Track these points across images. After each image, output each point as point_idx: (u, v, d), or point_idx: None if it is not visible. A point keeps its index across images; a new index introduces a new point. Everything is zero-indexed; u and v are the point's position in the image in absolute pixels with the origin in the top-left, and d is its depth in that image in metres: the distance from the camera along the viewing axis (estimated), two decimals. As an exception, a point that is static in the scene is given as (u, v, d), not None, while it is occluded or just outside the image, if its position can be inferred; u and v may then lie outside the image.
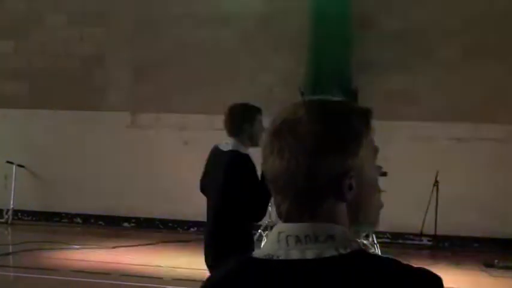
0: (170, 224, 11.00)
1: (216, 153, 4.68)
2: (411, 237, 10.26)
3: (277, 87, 10.28)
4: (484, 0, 10.03)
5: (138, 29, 11.06)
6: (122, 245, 9.64)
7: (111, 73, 11.29)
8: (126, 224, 11.22)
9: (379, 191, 1.39)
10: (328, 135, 1.30)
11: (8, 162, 11.07)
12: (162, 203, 10.77)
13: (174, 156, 10.65)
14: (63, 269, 8.22)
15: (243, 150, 4.55)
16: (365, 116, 1.37)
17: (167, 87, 10.88)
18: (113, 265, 8.46)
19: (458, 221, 9.89)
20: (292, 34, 10.32)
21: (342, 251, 1.27)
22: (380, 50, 10.26)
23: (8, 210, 11.17)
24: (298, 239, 1.29)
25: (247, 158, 4.52)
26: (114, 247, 9.48)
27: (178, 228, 10.86)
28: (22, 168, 11.26)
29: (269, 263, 1.30)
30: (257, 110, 4.67)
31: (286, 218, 1.33)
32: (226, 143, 4.62)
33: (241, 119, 4.59)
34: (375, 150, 1.38)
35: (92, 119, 11.17)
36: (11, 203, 11.14)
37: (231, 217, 4.54)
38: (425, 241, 10.19)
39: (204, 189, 4.86)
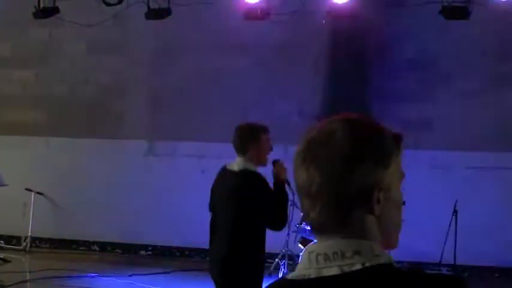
0: (187, 252, 10.96)
1: (225, 174, 4.70)
2: (430, 266, 10.14)
3: (294, 115, 10.29)
4: (502, 29, 10.01)
5: (156, 57, 11.15)
6: (139, 273, 9.62)
7: (129, 101, 11.37)
8: (142, 252, 11.20)
9: (401, 212, 1.42)
10: (363, 146, 1.34)
11: (26, 189, 11.13)
12: (179, 231, 10.75)
13: (191, 185, 10.65)
14: (79, 297, 8.21)
15: (251, 168, 4.56)
16: (396, 138, 1.41)
17: (185, 115, 10.92)
18: (130, 293, 8.43)
19: (478, 250, 9.77)
20: (309, 62, 10.35)
21: (367, 265, 1.29)
22: (397, 78, 10.25)
23: (26, 238, 11.21)
24: (326, 257, 1.31)
25: (256, 176, 4.54)
26: (130, 275, 9.46)
27: (196, 257, 10.82)
28: (41, 196, 11.31)
29: (301, 283, 1.33)
30: (263, 129, 4.72)
31: (316, 227, 1.36)
32: (235, 163, 4.66)
33: (248, 137, 4.64)
34: (402, 175, 1.41)
35: (109, 147, 11.23)
36: (29, 230, 11.18)
37: (245, 238, 4.53)
38: (444, 271, 10.07)
39: (213, 208, 4.86)
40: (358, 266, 1.29)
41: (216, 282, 4.76)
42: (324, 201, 1.33)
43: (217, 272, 4.71)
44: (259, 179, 4.55)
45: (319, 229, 1.35)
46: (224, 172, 4.72)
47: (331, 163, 1.32)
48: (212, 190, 4.86)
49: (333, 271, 1.29)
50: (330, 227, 1.33)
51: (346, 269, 1.29)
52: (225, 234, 4.66)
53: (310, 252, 1.34)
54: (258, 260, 4.65)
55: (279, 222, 4.63)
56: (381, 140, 1.36)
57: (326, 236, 1.34)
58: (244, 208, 4.52)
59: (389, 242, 1.40)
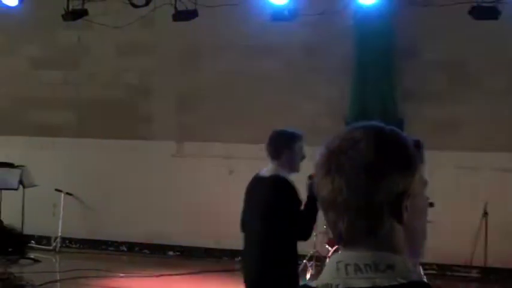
0: (215, 253, 10.99)
1: (256, 181, 4.71)
2: (459, 269, 10.04)
3: (321, 116, 10.26)
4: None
5: (184, 58, 11.20)
6: (167, 273, 9.66)
7: (157, 102, 11.44)
8: (170, 253, 11.25)
9: (426, 220, 1.41)
10: (388, 154, 1.32)
11: (56, 190, 11.25)
12: (207, 232, 10.77)
13: (219, 185, 10.68)
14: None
15: (282, 174, 4.57)
16: (418, 146, 1.43)
17: (212, 116, 10.95)
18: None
19: (508, 253, 9.65)
20: (337, 63, 10.31)
21: (402, 281, 1.27)
22: (425, 79, 10.17)
23: (56, 238, 11.32)
24: (357, 268, 1.28)
25: (286, 182, 4.54)
26: (158, 275, 9.51)
27: (223, 257, 10.84)
28: (70, 196, 11.42)
29: None
30: (298, 136, 4.72)
31: (346, 239, 1.33)
32: (266, 169, 4.67)
33: (282, 143, 4.65)
34: (425, 182, 1.39)
35: (138, 148, 11.31)
36: (59, 230, 11.29)
37: (276, 242, 4.53)
38: (474, 273, 9.97)
39: (243, 224, 4.85)
40: (392, 281, 1.26)
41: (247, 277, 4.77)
42: (352, 213, 1.30)
43: (251, 281, 4.72)
44: (290, 186, 4.56)
45: (347, 240, 1.33)
46: (256, 179, 4.74)
47: (357, 173, 1.30)
48: (245, 197, 4.86)
49: (364, 283, 1.27)
50: (359, 238, 1.31)
51: (378, 282, 1.26)
52: (256, 241, 4.67)
53: (338, 262, 1.31)
54: (291, 267, 4.66)
55: (304, 234, 4.64)
56: (405, 147, 1.35)
57: (355, 246, 1.32)
58: (273, 214, 4.52)
59: (416, 252, 1.38)
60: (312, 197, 4.65)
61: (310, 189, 4.62)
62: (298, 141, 4.69)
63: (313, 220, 4.56)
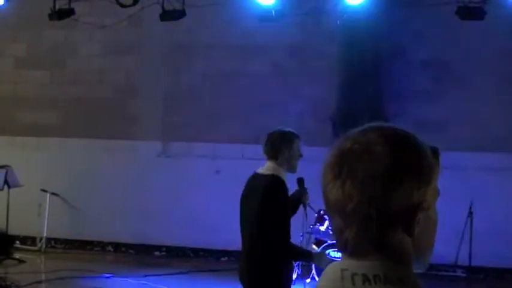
0: (201, 253, 10.98)
1: (254, 177, 4.74)
2: (445, 268, 10.09)
3: (308, 116, 10.28)
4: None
5: (171, 58, 11.18)
6: (153, 273, 9.64)
7: (143, 102, 11.41)
8: (157, 253, 11.23)
9: (435, 232, 1.33)
10: (405, 161, 1.22)
11: (42, 190, 11.19)
12: (193, 232, 10.76)
13: (205, 185, 10.67)
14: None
15: (279, 173, 4.62)
16: (434, 154, 1.30)
17: (199, 117, 10.95)
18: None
19: (493, 252, 9.71)
20: (323, 63, 10.33)
21: None
22: (411, 79, 10.22)
23: (41, 238, 11.27)
24: (366, 278, 1.20)
25: (283, 184, 4.60)
26: (145, 276, 9.48)
27: (210, 257, 10.83)
28: (56, 197, 11.37)
29: None
30: (295, 135, 4.78)
31: (352, 248, 1.24)
32: (265, 167, 4.70)
33: (280, 142, 4.69)
34: (437, 192, 1.31)
35: (124, 148, 11.28)
36: (45, 230, 11.24)
37: (268, 240, 4.55)
38: (459, 273, 10.02)
39: (241, 208, 4.88)
40: None
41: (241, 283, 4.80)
42: (361, 221, 1.21)
43: (242, 273, 4.76)
44: (284, 188, 4.63)
45: (354, 249, 1.24)
46: (254, 176, 4.78)
47: (372, 180, 1.19)
48: (242, 195, 4.89)
49: None
50: (367, 248, 1.22)
51: None
52: (248, 234, 4.70)
53: (343, 270, 1.22)
54: (283, 263, 4.68)
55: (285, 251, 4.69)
56: (422, 154, 1.25)
57: (361, 255, 1.23)
58: (267, 214, 4.56)
59: (422, 263, 1.32)
60: (296, 203, 4.77)
61: (298, 197, 4.73)
62: (296, 139, 4.75)
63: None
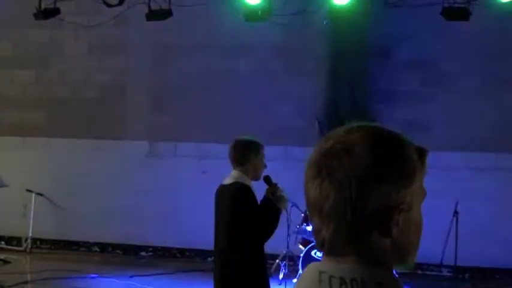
0: (187, 253, 10.96)
1: (220, 190, 4.76)
2: (431, 268, 10.13)
3: (294, 116, 10.30)
4: (503, 29, 10.01)
5: (157, 58, 11.16)
6: (140, 274, 9.62)
7: (129, 102, 11.37)
8: (143, 253, 11.20)
9: (420, 233, 1.31)
10: (385, 162, 1.21)
11: (27, 190, 11.13)
12: (179, 232, 10.75)
13: (192, 185, 10.66)
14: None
15: (244, 181, 4.62)
16: (421, 154, 1.28)
17: (185, 117, 10.93)
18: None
19: (478, 251, 9.76)
20: (310, 63, 10.35)
21: None
22: (397, 80, 10.25)
23: (26, 239, 11.20)
24: (343, 282, 1.19)
25: (247, 189, 4.60)
26: (131, 276, 9.46)
27: (196, 258, 10.82)
28: (41, 197, 11.31)
29: None
30: (261, 145, 4.80)
31: (328, 247, 1.23)
32: (229, 177, 4.71)
33: (246, 149, 4.69)
34: (423, 193, 1.30)
35: (110, 148, 11.24)
36: (30, 231, 11.18)
37: (240, 248, 4.57)
38: (445, 272, 10.06)
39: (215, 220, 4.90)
40: None
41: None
42: (338, 222, 1.20)
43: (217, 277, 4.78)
44: (250, 192, 4.62)
45: (331, 249, 1.23)
46: (220, 188, 4.79)
47: (349, 181, 1.19)
48: (214, 206, 4.91)
49: None
50: (344, 249, 1.21)
51: None
52: (220, 250, 4.73)
53: (321, 272, 1.21)
54: (258, 271, 4.69)
55: (265, 236, 4.65)
56: (404, 155, 1.23)
57: (339, 257, 1.22)
58: (235, 222, 4.58)
59: (405, 264, 1.29)
60: (268, 200, 4.74)
61: (269, 192, 4.71)
62: (262, 149, 4.78)
63: (272, 223, 4.61)
